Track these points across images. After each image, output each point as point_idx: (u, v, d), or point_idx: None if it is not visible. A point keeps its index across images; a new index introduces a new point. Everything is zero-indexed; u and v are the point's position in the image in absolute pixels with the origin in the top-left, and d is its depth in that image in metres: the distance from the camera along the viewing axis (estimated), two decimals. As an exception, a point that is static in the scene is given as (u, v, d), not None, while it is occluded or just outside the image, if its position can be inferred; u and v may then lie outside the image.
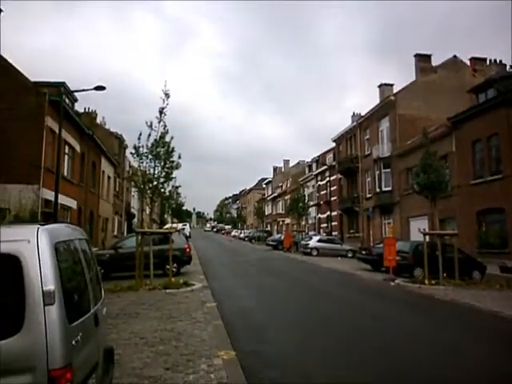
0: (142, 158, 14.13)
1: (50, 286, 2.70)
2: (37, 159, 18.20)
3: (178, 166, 14.77)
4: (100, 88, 18.26)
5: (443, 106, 27.46)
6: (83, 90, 19.05)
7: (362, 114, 38.82)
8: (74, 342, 2.86)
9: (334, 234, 42.39)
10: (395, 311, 11.20)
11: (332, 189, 45.29)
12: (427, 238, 16.53)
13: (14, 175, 17.42)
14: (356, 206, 37.67)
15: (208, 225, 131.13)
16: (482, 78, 27.21)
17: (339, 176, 42.77)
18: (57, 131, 17.61)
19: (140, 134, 14.04)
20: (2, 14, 17.77)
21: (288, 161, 78.62)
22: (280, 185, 72.22)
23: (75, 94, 23.55)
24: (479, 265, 18.33)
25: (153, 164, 14.11)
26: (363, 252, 23.30)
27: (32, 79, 19.41)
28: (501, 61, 30.64)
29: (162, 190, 15.48)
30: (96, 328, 3.57)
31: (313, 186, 53.12)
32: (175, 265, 16.14)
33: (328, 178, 46.61)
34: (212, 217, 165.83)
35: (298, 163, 70.87)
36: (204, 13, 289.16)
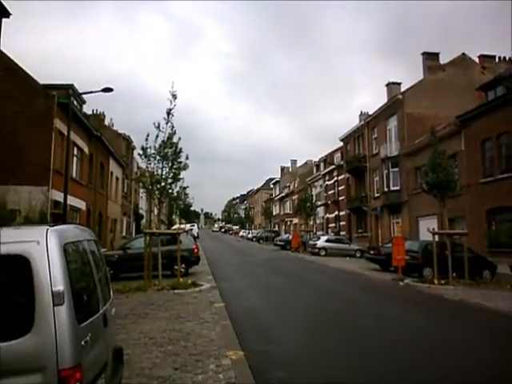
0: (149, 159, 14.22)
1: (60, 286, 2.72)
2: (46, 161, 18.37)
3: (185, 167, 14.85)
4: (107, 90, 18.38)
5: (452, 105, 27.22)
6: (91, 92, 19.18)
7: (370, 113, 38.63)
8: (83, 343, 2.88)
9: (342, 233, 42.24)
10: (404, 312, 11.13)
11: (340, 188, 45.13)
12: (436, 237, 16.42)
13: (24, 177, 17.62)
14: (364, 205, 37.48)
15: (216, 225, 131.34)
16: (491, 76, 26.95)
17: (347, 175, 42.61)
18: (65, 133, 17.75)
19: (148, 135, 14.13)
20: (10, 16, 17.96)
21: (295, 161, 78.55)
22: (287, 185, 72.12)
23: (83, 96, 23.72)
24: (489, 264, 18.16)
25: (160, 165, 14.19)
26: (371, 252, 23.19)
27: (41, 82, 19.59)
28: (510, 58, 30.32)
29: (170, 190, 15.57)
30: (105, 328, 3.59)
31: (320, 185, 52.98)
32: (183, 265, 16.19)
33: (336, 178, 46.45)
34: (220, 217, 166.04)
35: (306, 163, 70.72)
36: (210, 13, 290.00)
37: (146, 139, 14.12)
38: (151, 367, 5.82)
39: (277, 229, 70.18)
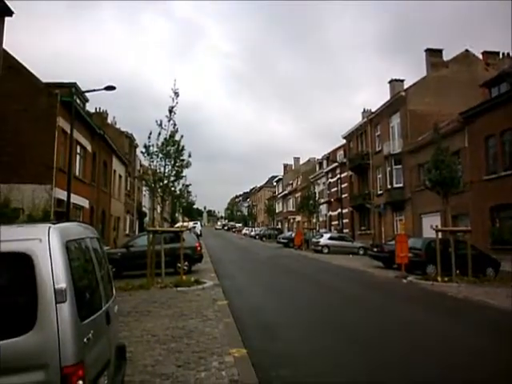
0: (152, 157, 14.23)
1: (62, 284, 2.73)
2: (49, 159, 18.42)
3: (188, 165, 14.86)
4: (110, 88, 18.36)
5: (455, 101, 27.10)
6: (94, 91, 19.18)
7: (373, 110, 38.51)
8: (85, 340, 2.89)
9: (345, 231, 42.19)
10: (407, 309, 11.12)
11: (343, 186, 45.05)
12: (440, 234, 16.37)
13: (27, 175, 17.68)
14: (367, 202, 37.42)
15: (219, 223, 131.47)
16: (494, 72, 26.79)
17: (350, 173, 42.54)
18: (68, 131, 17.79)
19: (150, 133, 14.15)
20: (13, 15, 17.96)
21: (298, 158, 78.45)
22: (290, 182, 72.07)
23: (86, 94, 23.75)
24: (493, 261, 18.11)
25: (163, 163, 14.20)
26: (375, 249, 23.16)
27: (45, 81, 19.63)
28: (514, 54, 30.13)
29: (173, 188, 15.57)
30: (108, 326, 3.60)
31: (323, 183, 52.91)
32: (186, 263, 16.23)
33: (339, 175, 46.38)
34: (223, 215, 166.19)
35: (309, 160, 70.63)
36: (212, 13, 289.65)
37: (149, 137, 14.15)
38: (154, 364, 5.84)
39: (280, 226, 70.20)
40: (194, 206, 73.18)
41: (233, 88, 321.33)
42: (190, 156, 14.84)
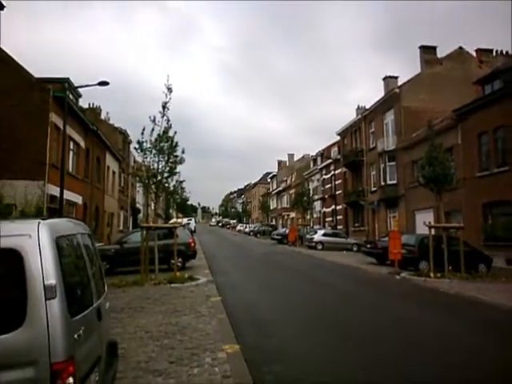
0: (145, 153, 14.16)
1: (52, 280, 2.71)
2: (42, 155, 18.28)
3: (181, 161, 14.80)
4: (103, 83, 18.25)
5: (449, 98, 27.19)
6: (87, 86, 19.05)
7: (367, 107, 38.58)
8: (76, 336, 2.87)
9: (339, 227, 42.33)
10: (400, 305, 11.19)
11: (337, 182, 45.18)
12: (433, 231, 16.46)
13: (20, 171, 17.55)
14: (361, 199, 37.54)
15: (213, 219, 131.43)
16: (488, 70, 26.90)
17: (344, 169, 42.64)
18: (61, 127, 17.66)
19: (143, 129, 14.07)
20: (5, 9, 17.76)
21: (293, 155, 78.54)
22: (285, 179, 72.14)
23: (79, 89, 23.59)
24: (485, 258, 18.25)
25: (156, 159, 14.13)
26: (368, 246, 23.25)
27: (36, 76, 19.44)
28: (507, 52, 30.22)
29: (166, 184, 15.51)
30: (99, 322, 3.58)
31: (317, 179, 53.01)
32: (180, 259, 16.21)
33: (333, 172, 46.48)
34: (217, 211, 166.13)
35: (303, 157, 70.75)
36: (208, 7, 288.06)
37: (142, 133, 14.06)
38: (147, 361, 5.83)
39: (274, 223, 70.31)
40: (188, 203, 73.10)
41: (227, 84, 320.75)
42: (183, 152, 14.80)
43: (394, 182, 31.95)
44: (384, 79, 35.83)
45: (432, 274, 15.19)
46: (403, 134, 30.55)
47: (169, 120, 14.22)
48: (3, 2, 16.50)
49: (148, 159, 14.29)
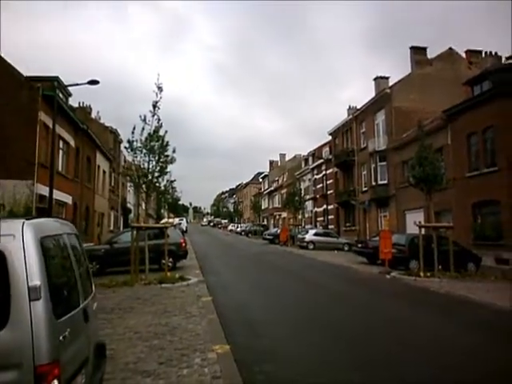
0: (135, 153, 14.07)
1: (36, 281, 2.66)
2: (31, 154, 18.10)
3: (172, 161, 14.73)
4: (94, 82, 18.11)
5: (439, 99, 27.38)
6: (77, 85, 18.91)
7: (358, 107, 38.74)
8: (61, 338, 2.82)
9: (330, 227, 42.45)
10: (391, 305, 11.23)
11: (328, 182, 45.31)
12: (423, 230, 16.57)
13: (8, 170, 17.36)
14: (352, 199, 37.69)
15: (205, 219, 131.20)
16: (477, 71, 27.14)
17: (335, 169, 42.77)
18: (51, 126, 17.49)
19: (134, 128, 13.97)
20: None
21: (284, 154, 78.69)
22: (276, 179, 72.23)
23: (69, 88, 23.40)
24: (474, 257, 18.41)
25: (147, 158, 14.04)
26: (359, 245, 23.35)
27: (27, 74, 19.24)
28: (496, 53, 30.54)
29: (157, 184, 15.43)
30: (86, 323, 3.53)
31: (309, 179, 53.12)
32: (171, 259, 16.14)
33: (324, 172, 46.61)
34: (209, 211, 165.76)
35: (295, 157, 70.87)
36: (201, 7, 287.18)
37: (132, 132, 13.97)
38: (136, 362, 5.78)
39: (266, 223, 70.31)
40: (180, 202, 72.66)
41: (219, 83, 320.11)
42: (174, 151, 14.73)
43: (385, 181, 32.11)
44: (375, 79, 35.99)
45: (422, 274, 15.28)
46: (394, 134, 30.73)
47: (159, 119, 14.15)
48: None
49: (138, 158, 14.22)
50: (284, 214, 57.25)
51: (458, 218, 22.02)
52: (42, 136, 19.02)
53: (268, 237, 41.66)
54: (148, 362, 5.75)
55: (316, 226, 45.09)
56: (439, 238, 16.48)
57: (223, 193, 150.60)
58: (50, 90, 18.64)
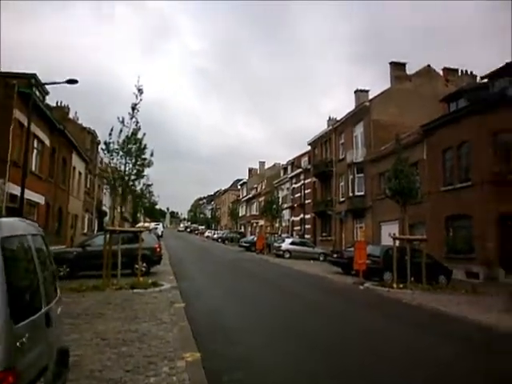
0: (112, 155, 13.82)
1: (-7, 283, 2.53)
2: (3, 152, 17.61)
3: (149, 164, 14.52)
4: (72, 81, 17.73)
5: (416, 114, 27.96)
6: (55, 83, 18.47)
7: (338, 118, 39.22)
8: (18, 344, 2.68)
9: (306, 236, 42.61)
10: (365, 316, 11.28)
11: (306, 192, 45.58)
12: (397, 242, 16.77)
13: (-21, 168, 16.81)
14: (329, 209, 37.98)
15: (182, 225, 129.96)
16: (453, 88, 27.87)
17: (314, 179, 43.07)
18: (25, 124, 17.05)
19: (111, 130, 13.73)
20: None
21: (264, 162, 78.86)
22: (255, 186, 72.28)
23: (48, 87, 22.89)
24: (446, 270, 18.72)
25: (123, 161, 13.81)
26: (335, 255, 23.46)
27: (2, 70, 18.77)
28: (471, 72, 31.50)
29: (133, 187, 15.18)
30: (48, 328, 3.38)
31: (287, 188, 53.34)
32: (144, 264, 15.86)
33: (303, 181, 46.88)
34: (186, 217, 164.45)
35: (274, 165, 71.14)
36: (183, 9, 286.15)
37: (110, 134, 13.73)
38: (102, 369, 5.59)
39: (243, 230, 70.18)
40: (157, 207, 71.94)
41: (201, 88, 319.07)
42: (152, 155, 14.51)
43: (362, 193, 32.49)
44: (355, 92, 36.55)
45: (395, 285, 15.43)
46: (372, 147, 31.18)
47: (138, 122, 13.96)
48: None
49: (115, 160, 13.97)
50: (261, 222, 57.22)
51: (432, 231, 22.40)
52: (16, 134, 18.53)
53: (244, 244, 41.54)
54: (114, 370, 5.57)
55: (293, 235, 45.20)
56: (413, 250, 16.70)
57: (201, 199, 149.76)
58: (27, 88, 18.20)
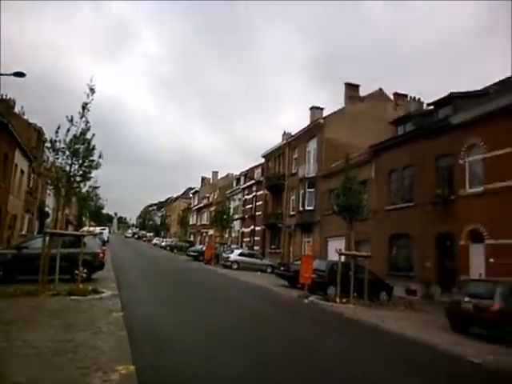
0: (57, 154, 13.21)
1: None
2: None
3: (97, 166, 13.97)
4: (19, 74, 17.05)
5: (367, 134, 28.91)
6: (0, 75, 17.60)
7: (293, 133, 39.92)
8: None
9: (255, 248, 42.75)
10: (310, 329, 11.44)
11: (258, 204, 45.85)
12: (343, 258, 17.17)
13: None
14: (279, 222, 38.37)
15: (129, 231, 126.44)
16: (402, 112, 29.22)
17: (266, 192, 43.43)
18: (-36, 115, 16.03)
19: (58, 128, 13.13)
20: None
21: (217, 172, 78.64)
22: (207, 195, 71.84)
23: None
24: (387, 286, 19.39)
25: (70, 161, 13.23)
26: (281, 268, 23.66)
27: None
28: (419, 98, 33.14)
29: (78, 189, 14.58)
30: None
31: (239, 199, 53.42)
32: (85, 270, 15.21)
33: (255, 193, 47.15)
34: (134, 223, 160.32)
35: (227, 175, 71.08)
36: (144, 14, 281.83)
37: (57, 131, 13.13)
38: (26, 382, 5.23)
39: (192, 239, 69.36)
40: (104, 211, 69.68)
41: (158, 93, 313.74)
42: (100, 157, 13.98)
43: (312, 208, 33.10)
44: (311, 109, 37.39)
45: (338, 300, 15.76)
46: (323, 163, 31.95)
47: (88, 122, 13.46)
48: None
49: (60, 160, 13.35)
50: (211, 232, 56.84)
51: (377, 248, 23.17)
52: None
53: (192, 253, 41.01)
54: (42, 382, 5.24)
55: (242, 246, 45.21)
56: (357, 266, 17.17)
57: (151, 205, 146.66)
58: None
